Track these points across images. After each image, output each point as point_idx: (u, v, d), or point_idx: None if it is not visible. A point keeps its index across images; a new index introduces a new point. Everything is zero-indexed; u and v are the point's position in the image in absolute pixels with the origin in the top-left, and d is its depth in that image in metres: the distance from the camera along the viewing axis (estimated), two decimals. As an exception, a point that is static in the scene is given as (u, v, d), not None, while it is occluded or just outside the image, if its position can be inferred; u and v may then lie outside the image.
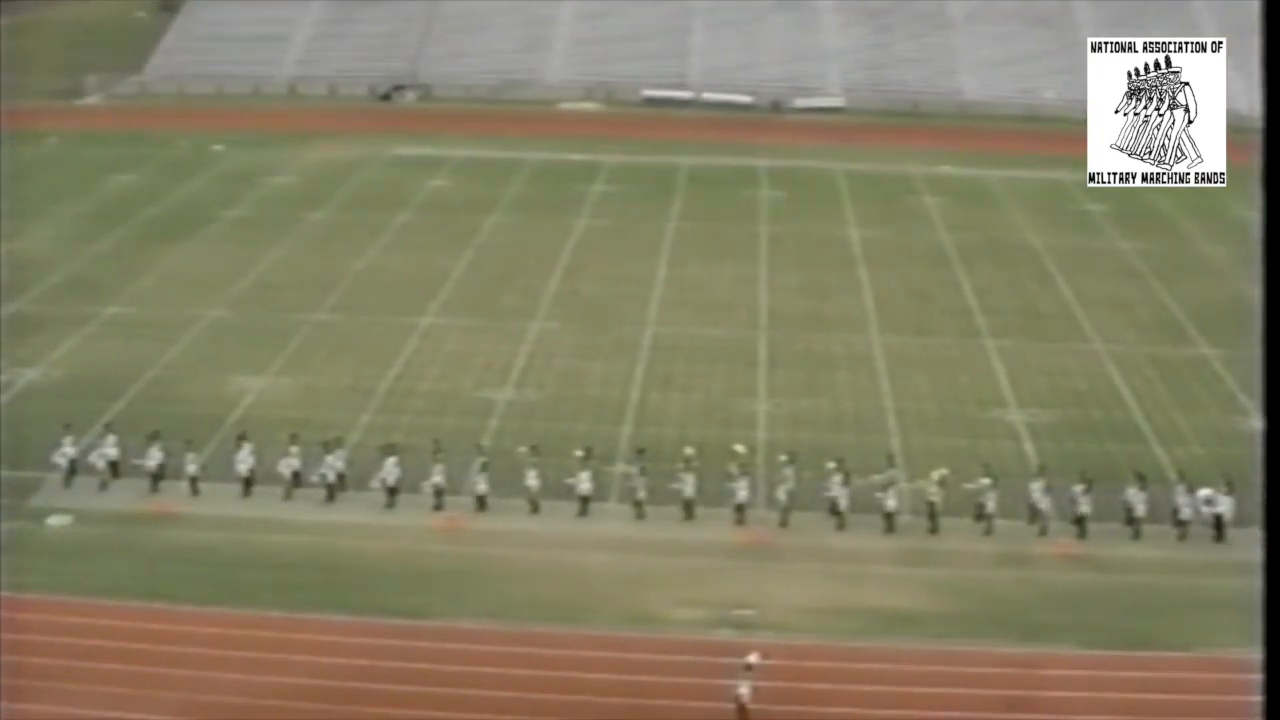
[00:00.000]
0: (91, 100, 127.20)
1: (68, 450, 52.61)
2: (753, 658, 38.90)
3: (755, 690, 38.27)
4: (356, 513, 50.60)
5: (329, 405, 59.33)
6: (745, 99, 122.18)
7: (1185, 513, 49.10)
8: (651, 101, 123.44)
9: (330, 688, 39.78)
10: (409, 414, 58.61)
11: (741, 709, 38.21)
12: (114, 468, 52.51)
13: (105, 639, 42.49)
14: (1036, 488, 49.66)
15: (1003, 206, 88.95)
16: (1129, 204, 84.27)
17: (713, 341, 67.16)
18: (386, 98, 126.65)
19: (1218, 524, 48.65)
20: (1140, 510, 49.09)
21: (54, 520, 50.15)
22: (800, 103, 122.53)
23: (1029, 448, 55.66)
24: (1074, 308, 71.61)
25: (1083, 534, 48.94)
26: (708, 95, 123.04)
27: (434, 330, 68.42)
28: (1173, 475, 52.06)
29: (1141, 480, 49.74)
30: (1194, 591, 45.23)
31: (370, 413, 58.70)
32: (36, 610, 44.07)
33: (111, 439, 52.85)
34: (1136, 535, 49.00)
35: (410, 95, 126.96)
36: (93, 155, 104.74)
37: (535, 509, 50.47)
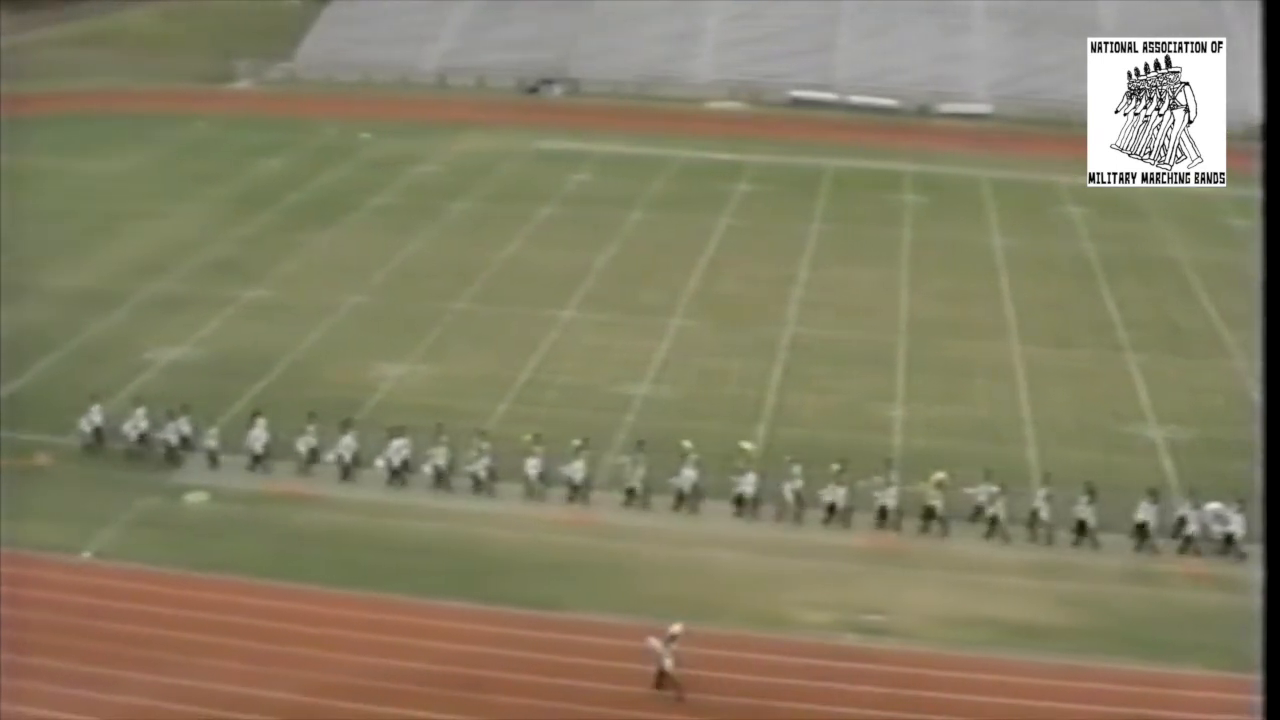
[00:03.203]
0: (242, 85, 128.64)
1: (95, 418, 54.03)
2: (676, 628, 39.61)
3: (678, 661, 39.27)
4: (487, 501, 50.97)
5: (466, 394, 59.70)
6: (891, 103, 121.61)
7: (1192, 528, 48.43)
8: (797, 102, 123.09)
9: (455, 674, 40.05)
10: (545, 406, 58.80)
11: (662, 674, 39.31)
12: (142, 439, 53.82)
13: (235, 615, 43.08)
14: (1040, 495, 49.31)
15: (1148, 219, 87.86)
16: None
17: (851, 344, 66.91)
18: (534, 91, 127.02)
19: (1229, 541, 47.92)
20: (1151, 524, 48.54)
21: (191, 497, 50.90)
22: (946, 108, 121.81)
23: (1167, 464, 55.03)
24: (1216, 323, 70.64)
25: (1095, 544, 48.56)
26: (854, 98, 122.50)
27: (573, 324, 68.66)
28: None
29: (1153, 494, 49.05)
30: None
31: (507, 403, 59.02)
32: (173, 585, 44.81)
33: (141, 411, 54.12)
34: (1150, 549, 48.42)
35: (558, 90, 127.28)
36: (241, 139, 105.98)
37: (534, 496, 51.16)
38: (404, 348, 64.73)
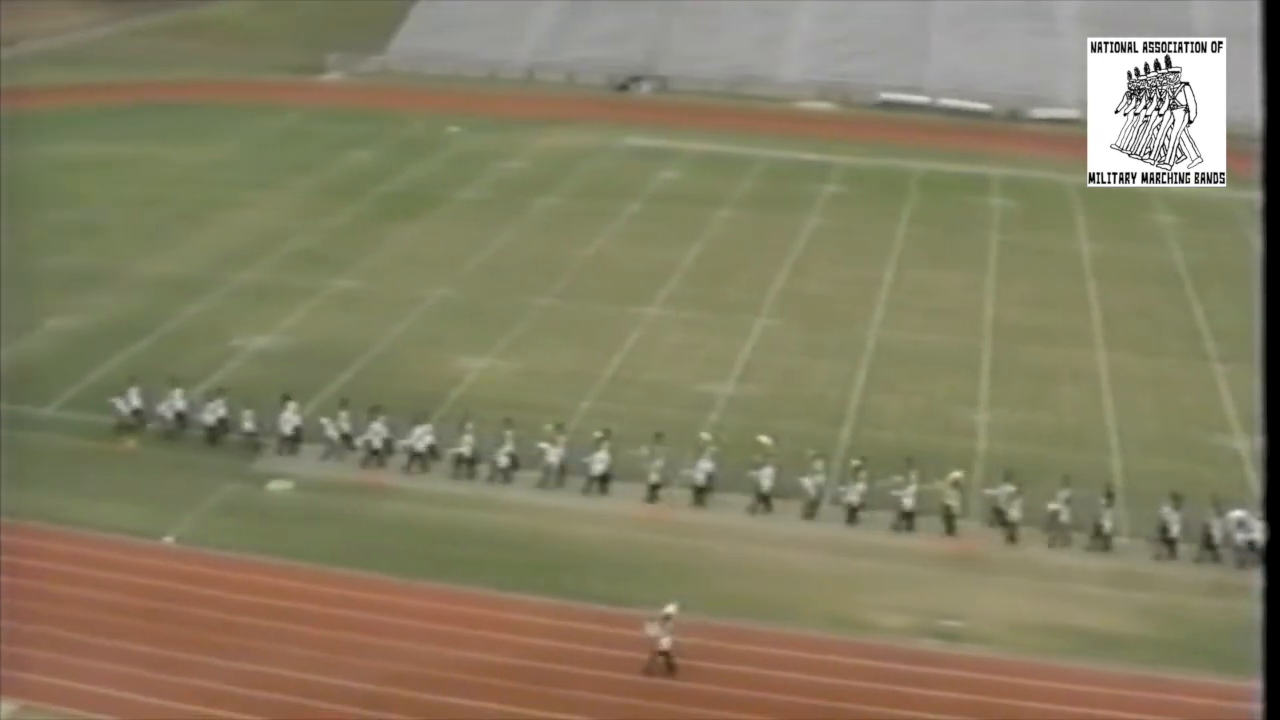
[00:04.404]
0: (333, 77, 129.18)
1: (133, 400, 55.02)
2: (670, 608, 40.25)
3: (676, 643, 40.04)
4: (567, 497, 51.09)
5: (550, 389, 59.78)
6: (982, 106, 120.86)
7: (1215, 534, 48.00)
8: (887, 104, 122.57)
9: (527, 667, 40.18)
10: (628, 403, 58.84)
11: (656, 653, 40.06)
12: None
13: (309, 603, 43.46)
14: (1061, 498, 48.93)
15: (1238, 227, 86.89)
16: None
17: (936, 348, 66.55)
18: (623, 88, 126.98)
19: (1251, 548, 47.04)
20: (1175, 530, 48.19)
21: (275, 485, 51.25)
22: (1038, 113, 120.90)
23: (1251, 476, 54.51)
24: (1307, 335, 69.84)
25: (1107, 547, 48.31)
26: (944, 101, 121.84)
27: (658, 321, 68.65)
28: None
29: (1177, 499, 48.57)
30: None
31: (590, 399, 59.08)
32: (251, 571, 45.13)
33: (178, 392, 55.12)
34: (1171, 554, 48.17)
35: (647, 87, 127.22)
36: (332, 131, 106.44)
37: (551, 485, 51.60)
38: (488, 342, 64.89)
